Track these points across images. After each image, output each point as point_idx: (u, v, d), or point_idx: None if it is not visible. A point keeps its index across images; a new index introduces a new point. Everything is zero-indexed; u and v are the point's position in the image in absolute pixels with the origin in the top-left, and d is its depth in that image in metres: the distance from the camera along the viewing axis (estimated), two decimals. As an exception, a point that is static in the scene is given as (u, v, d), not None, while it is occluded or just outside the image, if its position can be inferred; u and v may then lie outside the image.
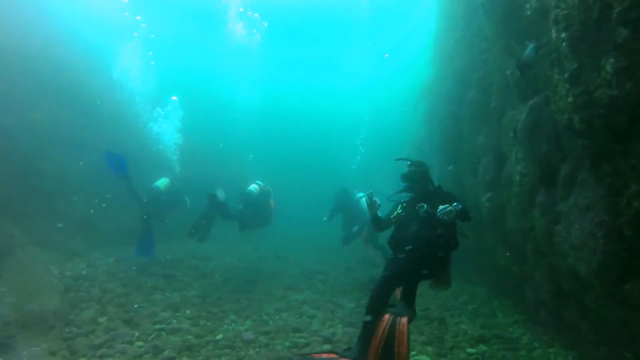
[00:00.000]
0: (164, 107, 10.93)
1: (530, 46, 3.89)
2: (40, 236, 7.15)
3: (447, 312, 5.85)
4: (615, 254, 3.25)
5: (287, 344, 4.71)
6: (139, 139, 10.05)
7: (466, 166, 7.03)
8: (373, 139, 15.98)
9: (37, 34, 8.11)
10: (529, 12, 4.09)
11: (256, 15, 14.69)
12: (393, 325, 3.41)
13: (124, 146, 9.14)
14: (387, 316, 3.49)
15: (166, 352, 4.28)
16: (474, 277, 7.30)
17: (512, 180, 5.23)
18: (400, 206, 4.43)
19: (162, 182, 8.32)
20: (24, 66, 7.72)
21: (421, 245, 3.98)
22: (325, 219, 8.16)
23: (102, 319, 5.02)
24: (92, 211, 8.13)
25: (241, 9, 14.33)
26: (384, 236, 6.23)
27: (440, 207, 3.80)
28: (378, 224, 4.46)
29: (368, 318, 3.70)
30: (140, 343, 4.49)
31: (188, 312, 5.51)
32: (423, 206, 3.98)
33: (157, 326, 4.93)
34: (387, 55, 16.26)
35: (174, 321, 5.14)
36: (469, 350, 4.64)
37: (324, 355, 3.62)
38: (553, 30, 3.26)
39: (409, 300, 3.71)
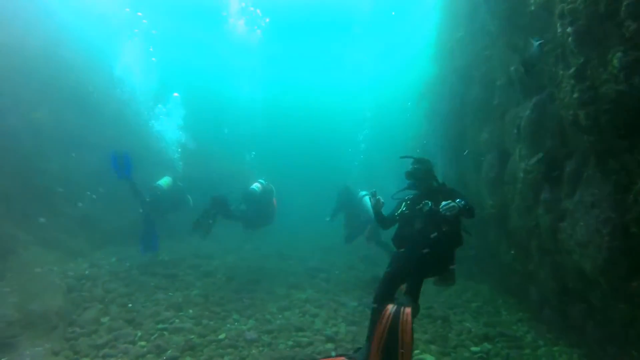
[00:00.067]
0: (166, 104, 10.91)
1: (536, 43, 3.83)
2: (43, 236, 7.14)
3: (451, 310, 5.83)
4: (622, 251, 3.22)
5: (290, 343, 4.69)
6: (141, 137, 10.03)
7: (469, 163, 6.99)
8: (375, 136, 15.93)
9: (38, 33, 8.10)
10: (533, 8, 4.04)
11: (258, 11, 14.63)
12: (397, 314, 3.37)
13: (126, 145, 9.15)
14: (390, 306, 3.46)
15: (169, 351, 4.27)
16: (477, 275, 7.26)
17: (515, 177, 5.19)
18: (404, 204, 4.43)
19: (164, 181, 8.31)
20: (25, 66, 7.71)
21: (425, 242, 3.96)
22: (327, 219, 8.13)
23: (105, 319, 5.00)
24: (80, 204, 7.94)
25: (243, 4, 14.25)
26: (386, 234, 6.24)
27: (443, 202, 3.80)
28: (382, 221, 4.47)
29: (376, 313, 3.67)
30: (142, 343, 4.47)
31: (191, 311, 5.50)
32: (427, 203, 3.98)
33: (160, 326, 4.92)
34: (388, 50, 16.05)
35: (177, 321, 5.13)
36: (473, 348, 4.61)
37: None
38: (558, 25, 3.21)
39: (413, 294, 3.67)
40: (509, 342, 4.75)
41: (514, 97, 5.21)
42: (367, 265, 8.98)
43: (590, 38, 2.81)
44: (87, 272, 6.57)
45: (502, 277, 6.53)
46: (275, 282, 7.13)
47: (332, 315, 5.64)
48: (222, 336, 4.75)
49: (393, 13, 15.27)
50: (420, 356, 4.37)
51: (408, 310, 3.37)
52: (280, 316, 5.57)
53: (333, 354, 4.44)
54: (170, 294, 6.13)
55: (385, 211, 4.43)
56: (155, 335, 4.70)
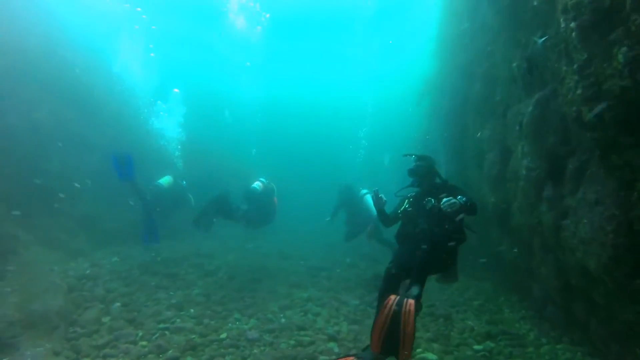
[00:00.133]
0: (166, 101, 10.87)
1: (540, 41, 3.78)
2: (44, 236, 7.13)
3: (453, 308, 5.80)
4: (626, 249, 3.18)
5: (292, 342, 4.67)
6: (141, 135, 10.01)
7: (471, 161, 6.95)
8: (377, 132, 15.88)
9: (38, 32, 8.07)
10: (535, 3, 4.00)
11: (257, 7, 14.54)
12: (400, 304, 3.30)
13: (126, 143, 9.15)
14: (393, 296, 3.42)
15: (170, 351, 4.25)
16: (479, 273, 7.24)
17: (518, 174, 5.16)
18: (407, 201, 4.45)
19: (165, 180, 8.31)
20: (25, 65, 7.69)
21: (428, 239, 3.96)
22: (327, 219, 8.11)
23: (106, 319, 4.99)
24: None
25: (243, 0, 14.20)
26: (388, 232, 6.22)
27: (444, 199, 3.81)
28: (385, 219, 4.49)
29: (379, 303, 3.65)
30: (144, 343, 4.46)
31: (192, 310, 5.48)
32: (431, 200, 3.98)
33: (161, 325, 4.90)
34: (391, 42, 15.93)
35: (178, 320, 5.11)
36: (476, 347, 4.58)
37: None
38: (561, 20, 3.17)
39: (416, 292, 3.63)
40: (512, 340, 4.72)
41: (516, 93, 5.17)
42: (369, 263, 8.97)
43: (594, 33, 2.77)
44: (88, 271, 6.55)
45: (504, 274, 6.51)
46: (277, 281, 7.11)
47: (334, 314, 5.62)
48: (223, 336, 4.73)
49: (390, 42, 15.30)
50: (423, 355, 4.34)
51: (412, 301, 3.31)
52: (281, 315, 5.55)
53: (335, 349, 4.44)
54: (171, 293, 6.11)
55: (387, 209, 4.44)
56: (157, 335, 4.68)
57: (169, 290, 6.23)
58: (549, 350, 4.45)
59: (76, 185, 7.79)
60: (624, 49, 2.52)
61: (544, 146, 4.40)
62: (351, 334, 4.90)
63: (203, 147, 11.75)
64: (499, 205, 5.85)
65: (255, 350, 4.43)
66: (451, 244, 4.02)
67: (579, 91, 3.13)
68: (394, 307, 3.29)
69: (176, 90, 11.25)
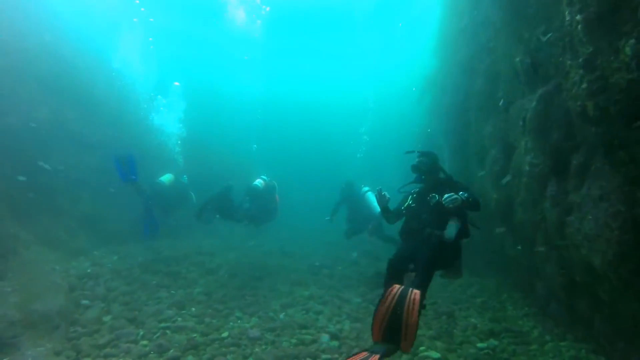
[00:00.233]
0: (166, 95, 10.80)
1: (544, 39, 3.72)
2: (45, 235, 7.11)
3: (456, 305, 5.77)
4: (632, 245, 3.14)
5: (294, 340, 4.64)
6: (142, 132, 9.96)
7: (473, 157, 6.91)
8: (378, 128, 15.81)
9: (38, 31, 8.03)
10: (539, -4, 3.95)
11: (257, 0, 14.43)
12: (404, 293, 3.18)
13: (127, 141, 9.13)
14: (397, 286, 3.31)
15: (171, 351, 4.22)
16: (482, 269, 7.20)
17: (521, 170, 5.11)
18: (410, 197, 4.44)
19: (166, 178, 8.29)
20: (25, 64, 7.66)
21: (431, 234, 3.95)
22: (327, 218, 8.07)
23: (107, 318, 4.97)
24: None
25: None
26: (389, 229, 6.19)
27: (445, 195, 3.80)
28: (388, 216, 4.47)
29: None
30: (145, 342, 4.43)
31: (193, 309, 5.46)
32: (435, 197, 3.97)
33: (162, 324, 4.88)
34: (401, 24, 15.65)
35: (179, 319, 5.09)
36: (479, 344, 4.55)
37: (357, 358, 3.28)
38: (567, 13, 3.12)
39: (422, 286, 3.53)
40: (516, 337, 4.69)
41: (519, 89, 5.11)
42: (370, 260, 8.93)
43: (601, 25, 2.72)
44: (89, 270, 6.53)
45: (507, 271, 6.47)
46: (278, 279, 7.09)
47: (336, 312, 5.59)
48: (224, 334, 4.71)
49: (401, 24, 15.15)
50: (426, 353, 4.31)
51: (417, 291, 3.20)
52: (283, 313, 5.53)
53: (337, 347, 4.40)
54: (172, 292, 6.09)
55: (391, 205, 4.43)
56: (158, 334, 4.66)
57: (170, 289, 6.21)
58: (553, 347, 4.42)
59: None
60: (632, 41, 2.47)
61: (547, 142, 4.35)
62: (353, 332, 4.87)
63: (203, 143, 11.70)
64: (502, 202, 5.81)
65: (256, 349, 4.41)
66: (455, 240, 4.00)
67: (584, 85, 3.09)
68: (397, 296, 3.17)
69: (176, 83, 11.17)
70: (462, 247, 4.19)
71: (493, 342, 4.61)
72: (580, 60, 3.07)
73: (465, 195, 3.89)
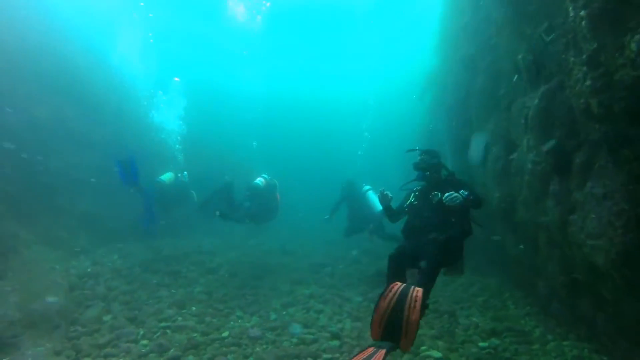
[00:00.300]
0: (166, 91, 10.73)
1: (548, 39, 3.67)
2: (45, 234, 7.10)
3: (457, 304, 5.74)
4: (636, 244, 3.10)
5: (295, 340, 4.63)
6: (142, 129, 9.92)
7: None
8: (379, 125, 15.74)
9: (37, 29, 8.00)
10: (542, -8, 3.90)
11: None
12: (406, 290, 3.08)
13: (128, 139, 9.11)
14: (399, 283, 3.22)
15: (171, 350, 4.21)
16: (483, 268, 7.17)
17: (523, 168, 5.07)
18: (413, 195, 4.45)
19: (166, 177, 8.27)
20: (25, 62, 7.63)
21: (433, 231, 3.93)
22: (326, 217, 8.03)
23: (107, 317, 4.96)
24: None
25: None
26: (393, 227, 6.16)
27: (446, 194, 3.82)
28: (391, 215, 4.48)
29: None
30: (145, 342, 4.42)
31: (194, 309, 5.45)
32: (437, 194, 3.97)
33: (163, 324, 4.87)
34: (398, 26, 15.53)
35: (180, 318, 5.08)
36: (481, 344, 4.52)
37: (365, 354, 3.08)
38: (570, 8, 3.07)
39: (426, 285, 3.45)
40: (517, 336, 4.66)
41: (521, 86, 5.07)
42: (371, 259, 8.90)
43: (606, 21, 2.67)
44: (89, 269, 6.53)
45: (509, 270, 6.44)
46: (279, 278, 7.07)
47: (337, 311, 5.57)
48: (225, 334, 4.69)
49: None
50: (427, 352, 4.29)
51: (419, 289, 3.11)
52: (284, 312, 5.52)
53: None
54: (173, 291, 6.08)
55: (393, 204, 4.43)
56: (158, 333, 4.65)
57: (170, 288, 6.20)
58: (555, 347, 4.39)
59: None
60: (637, 37, 2.43)
61: (550, 140, 4.31)
62: (354, 332, 4.85)
63: (203, 141, 11.64)
64: (504, 200, 5.77)
65: (257, 349, 4.39)
66: (457, 237, 4.00)
67: (587, 82, 3.04)
68: (398, 293, 3.08)
69: (176, 79, 11.10)
70: (463, 245, 4.18)
71: (495, 341, 4.58)
72: (584, 56, 3.03)
73: (466, 193, 3.90)
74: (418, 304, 2.96)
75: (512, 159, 5.36)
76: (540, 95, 4.36)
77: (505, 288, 6.38)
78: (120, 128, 9.39)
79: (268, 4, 14.56)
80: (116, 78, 9.67)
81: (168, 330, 4.73)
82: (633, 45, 2.45)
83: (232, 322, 5.10)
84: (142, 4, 11.34)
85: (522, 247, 5.56)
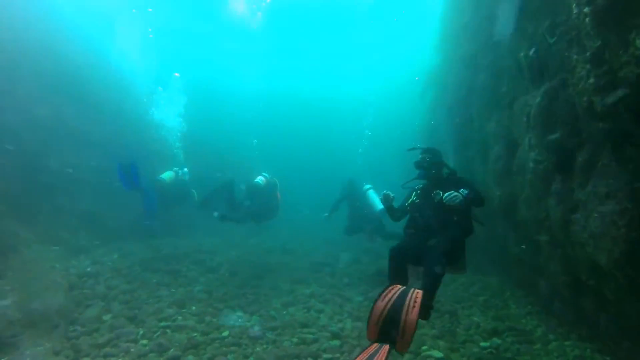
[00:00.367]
0: (166, 87, 10.67)
1: (552, 40, 3.62)
2: (45, 233, 7.08)
3: (459, 304, 5.72)
4: (639, 243, 3.08)
5: (295, 340, 4.60)
6: (142, 127, 9.88)
7: (476, 154, 6.83)
8: (380, 123, 15.68)
9: (37, 28, 7.96)
10: (544, -11, 3.86)
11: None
12: (406, 291, 3.04)
13: (128, 137, 9.08)
14: (399, 286, 3.20)
15: (171, 350, 4.19)
16: (484, 267, 7.14)
17: (525, 167, 5.04)
18: (414, 193, 4.46)
19: (166, 175, 8.26)
20: (25, 61, 7.60)
21: (435, 229, 3.91)
22: (326, 214, 7.99)
23: (107, 317, 4.93)
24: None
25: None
26: (394, 226, 6.13)
27: (446, 194, 3.83)
28: (393, 214, 4.49)
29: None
30: (144, 341, 4.40)
31: (194, 308, 5.42)
32: (439, 193, 3.97)
33: (162, 323, 4.84)
34: (395, 19, 15.41)
35: (180, 318, 5.05)
36: (482, 343, 4.50)
37: (369, 351, 2.97)
38: (574, 5, 3.04)
39: (428, 293, 3.40)
40: (519, 336, 4.64)
41: (523, 84, 5.03)
42: (372, 258, 8.86)
43: (610, 18, 2.64)
44: (89, 269, 6.49)
45: (510, 269, 6.41)
46: (279, 277, 7.05)
47: (338, 311, 5.55)
48: (225, 334, 4.67)
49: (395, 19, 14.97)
50: (428, 352, 4.26)
51: (419, 291, 3.08)
52: (284, 312, 5.49)
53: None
54: (173, 290, 6.06)
55: (395, 202, 4.45)
56: (158, 333, 4.63)
57: (170, 287, 6.17)
58: (557, 346, 4.36)
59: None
60: (643, 33, 2.40)
61: (552, 138, 4.28)
62: (355, 331, 4.82)
63: (203, 139, 11.59)
64: (505, 199, 5.74)
65: (257, 349, 4.37)
66: (459, 236, 4.00)
67: (591, 80, 3.01)
68: (398, 293, 3.05)
69: (177, 74, 11.04)
70: (465, 244, 4.17)
71: (496, 341, 4.56)
72: (588, 54, 3.00)
73: (466, 192, 3.90)
74: (417, 305, 2.92)
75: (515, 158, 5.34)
76: (542, 93, 4.32)
77: (506, 287, 6.35)
78: (120, 126, 9.36)
79: (268, 0, 14.46)
80: (116, 76, 9.61)
81: (168, 330, 4.71)
82: (638, 42, 2.42)
83: (231, 322, 5.07)
84: None
85: (524, 247, 5.53)
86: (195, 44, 15.17)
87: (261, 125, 15.29)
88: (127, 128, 9.51)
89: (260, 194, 7.64)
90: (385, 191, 4.38)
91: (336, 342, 4.53)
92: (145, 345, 4.29)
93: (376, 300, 3.06)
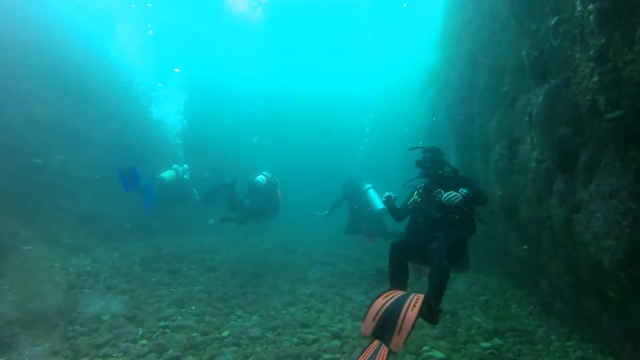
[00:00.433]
0: (166, 83, 10.61)
1: (555, 43, 3.58)
2: (45, 232, 7.06)
3: (460, 304, 5.69)
4: (643, 244, 3.04)
5: (295, 340, 4.57)
6: (142, 126, 9.83)
7: (478, 153, 6.79)
8: (380, 120, 15.62)
9: (36, 26, 7.93)
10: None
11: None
12: (407, 294, 3.02)
13: (128, 137, 9.04)
14: (401, 291, 3.19)
15: (170, 350, 4.16)
16: (485, 267, 7.12)
17: (526, 167, 5.01)
18: (416, 192, 4.45)
19: (167, 174, 8.22)
20: (25, 59, 7.57)
21: (437, 227, 3.95)
22: (325, 212, 7.95)
23: (106, 317, 4.90)
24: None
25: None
26: (395, 225, 6.10)
27: (445, 194, 3.84)
28: (396, 214, 4.48)
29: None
30: (144, 341, 4.37)
31: (193, 308, 5.39)
32: (440, 192, 3.95)
33: (162, 323, 4.82)
34: (405, 5, 15.26)
35: (179, 318, 5.03)
36: (484, 344, 4.48)
37: (370, 350, 2.94)
38: (578, 3, 3.00)
39: (436, 296, 3.36)
40: (520, 337, 4.62)
41: (525, 83, 4.99)
42: (373, 257, 8.84)
43: (614, 15, 2.60)
44: (88, 268, 6.48)
45: (512, 269, 6.38)
46: (280, 277, 7.02)
47: (338, 311, 5.52)
48: (225, 334, 4.64)
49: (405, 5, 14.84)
50: (429, 353, 4.23)
51: (421, 295, 3.03)
52: (284, 312, 5.46)
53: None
54: (172, 289, 6.04)
55: (397, 202, 4.44)
56: (157, 333, 4.60)
57: (170, 286, 6.15)
58: (559, 347, 4.34)
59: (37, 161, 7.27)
60: (648, 31, 2.36)
61: (554, 137, 4.24)
62: (356, 331, 4.79)
63: (203, 137, 11.52)
64: (507, 199, 5.71)
65: (257, 349, 4.34)
66: (461, 234, 3.97)
67: (595, 78, 2.97)
68: (399, 295, 3.03)
69: (177, 70, 10.97)
70: (467, 242, 4.16)
71: (498, 341, 4.54)
72: (591, 52, 2.95)
73: (465, 191, 3.88)
74: (418, 305, 2.90)
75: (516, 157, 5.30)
76: (544, 92, 4.28)
77: (507, 287, 6.33)
78: (120, 125, 9.32)
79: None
80: (116, 73, 9.57)
81: (167, 330, 4.68)
82: (643, 40, 2.38)
83: (232, 322, 5.04)
84: None
85: (526, 247, 5.50)
86: (195, 40, 15.09)
87: (261, 123, 15.24)
88: (127, 126, 9.47)
89: (261, 193, 7.60)
90: (386, 193, 4.37)
91: (337, 343, 4.50)
92: (144, 346, 4.26)
93: (376, 297, 3.05)
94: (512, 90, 5.51)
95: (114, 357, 4.03)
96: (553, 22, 3.58)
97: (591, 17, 2.79)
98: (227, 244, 9.22)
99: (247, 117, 15.03)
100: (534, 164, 4.70)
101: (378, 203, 7.58)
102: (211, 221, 7.07)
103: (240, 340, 4.49)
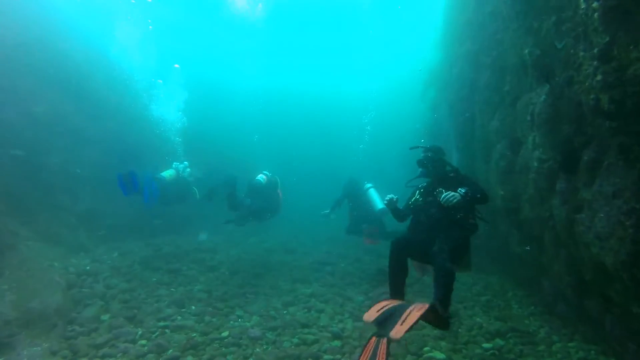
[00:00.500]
0: (166, 80, 10.56)
1: (559, 45, 3.55)
2: (44, 232, 7.04)
3: (461, 304, 5.66)
4: (647, 244, 3.01)
5: (295, 340, 4.55)
6: (142, 124, 9.79)
7: (479, 152, 6.76)
8: (381, 119, 15.57)
9: (36, 24, 7.89)
10: (550, -16, 3.78)
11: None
12: (408, 303, 3.07)
13: (128, 136, 9.01)
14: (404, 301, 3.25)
15: (170, 351, 4.14)
16: (487, 267, 7.08)
17: (528, 166, 4.97)
18: (417, 192, 4.45)
19: (167, 173, 8.20)
20: (24, 58, 7.54)
21: (439, 227, 3.93)
22: (327, 211, 7.92)
23: (105, 316, 4.89)
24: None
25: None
26: (395, 225, 6.07)
27: (443, 194, 3.83)
28: (398, 215, 4.47)
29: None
30: (143, 342, 4.35)
31: (193, 307, 5.37)
32: (442, 191, 3.93)
33: (161, 323, 4.79)
34: (399, 7, 15.29)
35: (179, 318, 5.00)
36: (485, 345, 4.45)
37: (369, 348, 2.92)
38: (581, 0, 2.96)
39: (443, 300, 3.35)
40: (522, 337, 4.59)
41: (527, 82, 4.95)
42: (373, 257, 8.81)
43: (619, 13, 2.56)
44: (88, 267, 6.46)
45: (513, 269, 6.35)
46: (280, 277, 7.00)
47: (339, 311, 5.49)
48: (225, 334, 4.61)
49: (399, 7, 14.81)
50: (430, 354, 4.21)
51: (426, 305, 3.03)
52: (285, 312, 5.43)
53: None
54: (172, 289, 6.01)
55: (399, 202, 4.44)
56: (157, 333, 4.58)
57: (170, 286, 6.12)
58: (561, 348, 4.31)
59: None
60: (653, 29, 2.32)
61: (557, 137, 4.21)
62: (356, 332, 4.76)
63: (203, 135, 11.48)
64: (508, 198, 5.67)
65: (257, 349, 4.32)
66: (462, 234, 3.97)
67: (598, 77, 2.93)
68: (400, 303, 3.09)
69: (176, 65, 10.92)
70: (469, 242, 4.14)
71: (499, 342, 4.51)
72: (595, 50, 2.92)
73: (463, 190, 3.87)
74: (424, 308, 2.93)
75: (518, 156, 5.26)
76: (547, 91, 4.25)
77: (508, 287, 6.30)
78: (120, 122, 9.28)
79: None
80: (116, 71, 9.53)
81: (167, 330, 4.66)
82: (649, 38, 2.35)
83: (232, 322, 5.02)
84: None
85: (528, 248, 5.46)
86: (195, 37, 15.03)
87: (262, 121, 15.19)
88: (127, 124, 9.43)
89: (262, 192, 7.58)
90: (388, 196, 4.37)
91: (337, 343, 4.48)
92: (143, 346, 4.24)
93: (382, 300, 3.15)
94: (513, 89, 5.47)
95: (113, 357, 4.01)
96: (553, 20, 3.53)
97: (595, 14, 2.76)
98: (227, 244, 9.20)
99: (247, 115, 14.98)
100: (536, 164, 4.67)
101: (378, 203, 7.55)
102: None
103: (240, 341, 4.47)
